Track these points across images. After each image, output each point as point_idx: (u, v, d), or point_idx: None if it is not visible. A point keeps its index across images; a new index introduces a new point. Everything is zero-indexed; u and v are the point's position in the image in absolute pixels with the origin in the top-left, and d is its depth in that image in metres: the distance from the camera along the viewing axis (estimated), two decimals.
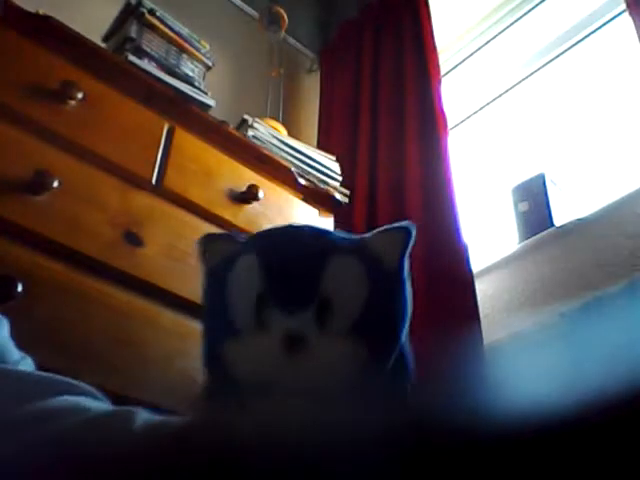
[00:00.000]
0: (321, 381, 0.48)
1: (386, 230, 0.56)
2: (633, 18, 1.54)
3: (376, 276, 0.52)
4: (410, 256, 0.56)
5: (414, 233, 0.55)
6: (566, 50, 1.95)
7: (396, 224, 0.56)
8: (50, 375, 0.57)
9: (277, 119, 1.93)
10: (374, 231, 0.56)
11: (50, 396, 0.51)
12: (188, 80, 1.46)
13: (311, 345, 0.48)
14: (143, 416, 0.48)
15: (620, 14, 1.80)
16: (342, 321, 0.50)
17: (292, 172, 1.49)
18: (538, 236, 1.62)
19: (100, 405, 0.54)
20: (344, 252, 0.53)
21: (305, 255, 0.52)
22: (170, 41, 1.47)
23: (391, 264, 0.54)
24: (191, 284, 1.19)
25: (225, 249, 0.58)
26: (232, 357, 0.51)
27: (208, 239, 0.60)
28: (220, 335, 0.53)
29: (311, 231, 0.56)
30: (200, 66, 1.52)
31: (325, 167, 1.62)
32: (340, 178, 1.64)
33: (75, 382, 0.57)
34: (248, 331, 0.51)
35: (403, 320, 0.53)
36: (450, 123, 1.84)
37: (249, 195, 1.35)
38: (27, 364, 0.66)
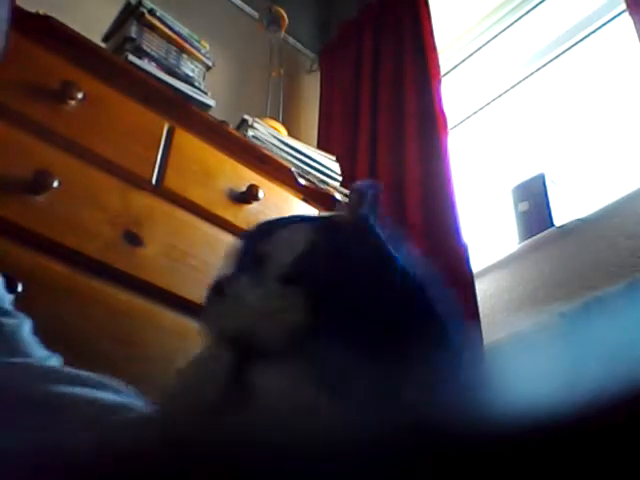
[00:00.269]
0: (242, 318, 0.54)
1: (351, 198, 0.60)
2: (633, 18, 1.54)
3: (322, 235, 0.57)
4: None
5: (370, 190, 0.59)
6: (566, 50, 1.95)
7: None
8: (84, 372, 0.58)
9: (277, 119, 1.93)
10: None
11: (87, 388, 0.52)
12: (188, 80, 1.46)
13: (234, 291, 0.55)
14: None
15: (620, 14, 1.80)
16: (272, 272, 0.55)
17: (292, 172, 1.49)
18: (538, 236, 1.62)
19: (137, 404, 0.55)
20: (293, 223, 0.59)
21: (257, 234, 0.60)
22: (170, 41, 1.47)
23: (348, 223, 0.58)
24: (191, 284, 1.19)
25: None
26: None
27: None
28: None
29: (281, 218, 0.62)
30: (200, 66, 1.52)
31: (325, 167, 1.62)
32: (340, 178, 1.64)
33: (106, 379, 0.58)
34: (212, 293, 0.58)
35: (357, 276, 0.55)
36: (450, 123, 1.84)
37: (249, 195, 1.35)
38: (55, 362, 0.66)
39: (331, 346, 0.49)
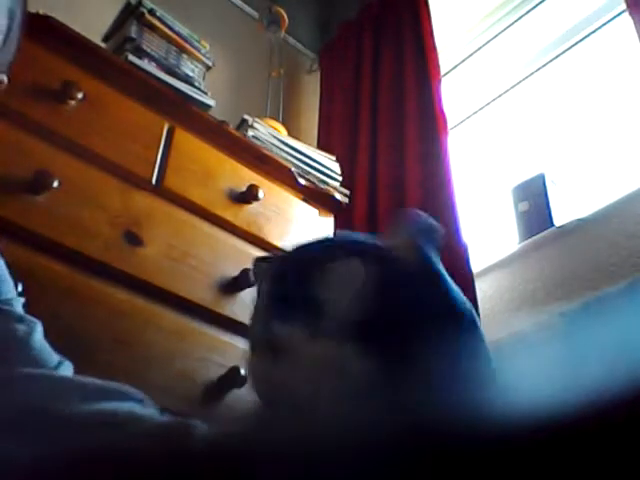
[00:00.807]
0: (302, 385, 0.46)
1: (403, 226, 0.54)
2: (633, 18, 1.54)
3: (384, 276, 0.50)
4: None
5: (438, 228, 0.54)
6: (566, 50, 1.95)
7: (413, 217, 0.55)
8: (97, 380, 0.57)
9: (277, 119, 1.93)
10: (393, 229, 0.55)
11: (99, 402, 0.51)
12: (188, 80, 1.46)
13: (294, 350, 0.47)
14: (200, 431, 0.46)
15: (620, 14, 1.80)
16: (331, 323, 0.48)
17: (292, 172, 1.49)
18: (538, 236, 1.62)
19: (152, 413, 0.53)
20: (343, 257, 0.51)
21: (299, 266, 0.53)
22: (170, 41, 1.47)
23: (408, 262, 0.52)
24: (191, 284, 1.19)
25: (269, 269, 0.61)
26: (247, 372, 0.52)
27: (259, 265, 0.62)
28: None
29: (319, 242, 0.57)
30: (200, 66, 1.52)
31: (325, 167, 1.62)
32: (340, 178, 1.64)
33: (124, 387, 0.57)
34: (258, 346, 0.51)
35: (421, 320, 0.49)
36: (450, 123, 1.84)
37: (249, 195, 1.35)
38: (66, 368, 0.66)
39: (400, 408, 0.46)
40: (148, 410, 0.54)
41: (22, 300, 0.71)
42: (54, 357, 0.65)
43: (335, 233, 0.61)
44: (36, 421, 0.48)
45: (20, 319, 0.66)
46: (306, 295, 0.49)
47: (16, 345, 0.63)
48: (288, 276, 0.53)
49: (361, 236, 0.56)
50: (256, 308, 0.54)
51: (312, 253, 0.55)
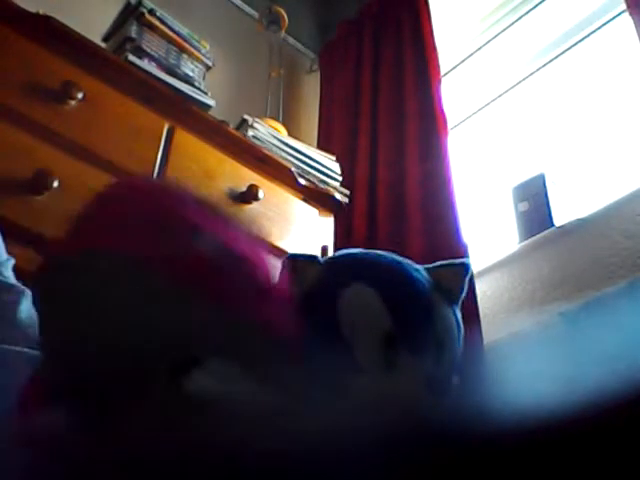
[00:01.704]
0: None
1: (450, 266, 0.58)
2: (633, 18, 1.54)
3: (457, 315, 0.54)
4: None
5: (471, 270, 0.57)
6: (566, 50, 1.95)
7: (456, 261, 0.58)
8: None
9: (277, 119, 1.93)
10: (437, 267, 0.58)
11: None
12: (188, 80, 1.46)
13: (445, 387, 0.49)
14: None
15: (620, 14, 1.80)
16: (451, 361, 0.51)
17: (292, 172, 1.49)
18: (538, 236, 1.62)
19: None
20: (435, 291, 0.54)
21: (420, 294, 0.53)
22: (170, 41, 1.47)
23: (457, 300, 0.56)
24: None
25: (317, 273, 0.56)
26: (358, 393, 0.49)
27: (297, 261, 0.58)
28: (336, 368, 0.51)
29: (408, 265, 0.57)
30: (200, 66, 1.52)
31: (325, 167, 1.62)
32: (340, 178, 1.64)
33: None
34: (376, 369, 0.50)
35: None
36: (450, 123, 1.84)
37: (249, 195, 1.35)
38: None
39: None
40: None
41: (12, 262, 0.70)
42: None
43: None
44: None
45: (8, 288, 0.65)
46: (431, 328, 0.52)
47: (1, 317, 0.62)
48: (410, 299, 0.53)
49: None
50: (348, 316, 0.52)
51: (412, 275, 0.55)
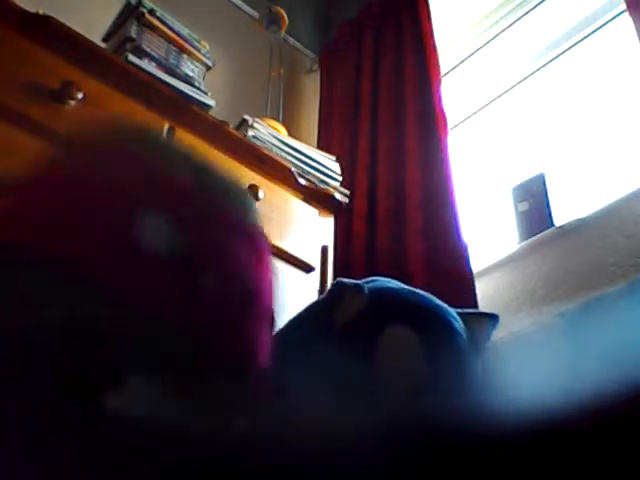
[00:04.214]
0: None
1: (481, 316, 0.59)
2: (633, 18, 1.54)
3: (481, 364, 0.56)
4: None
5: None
6: (566, 50, 1.95)
7: (487, 313, 0.59)
8: None
9: (277, 119, 1.93)
10: (469, 315, 0.59)
11: None
12: (188, 80, 1.46)
13: None
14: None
15: (620, 14, 1.80)
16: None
17: (292, 172, 1.49)
18: (538, 236, 1.62)
19: None
20: (469, 342, 0.56)
21: (458, 347, 0.55)
22: (170, 41, 1.47)
23: (482, 350, 0.57)
24: None
25: (361, 304, 0.57)
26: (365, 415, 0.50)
27: (342, 290, 0.58)
28: (363, 400, 0.51)
29: (449, 313, 0.58)
30: (200, 66, 1.52)
31: (325, 167, 1.62)
32: (340, 178, 1.64)
33: None
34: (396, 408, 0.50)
35: None
36: (450, 123, 1.84)
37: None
38: None
39: None
40: None
41: None
42: None
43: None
44: None
45: None
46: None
47: None
48: (447, 350, 0.54)
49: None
50: (386, 355, 0.53)
51: (452, 326, 0.57)
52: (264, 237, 0.50)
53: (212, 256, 0.44)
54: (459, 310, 0.59)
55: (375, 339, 0.53)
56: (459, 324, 0.56)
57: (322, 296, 0.61)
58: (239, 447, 0.37)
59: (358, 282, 0.60)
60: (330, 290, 0.58)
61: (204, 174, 0.49)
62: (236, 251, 0.47)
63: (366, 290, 0.58)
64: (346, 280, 0.59)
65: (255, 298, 0.46)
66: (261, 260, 0.50)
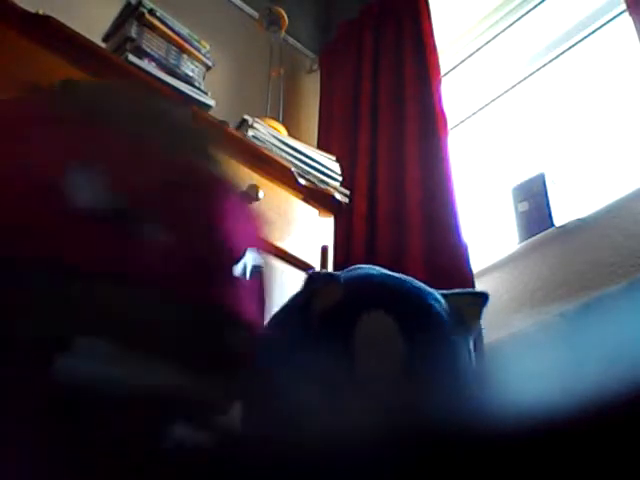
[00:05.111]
0: None
1: (468, 295, 0.59)
2: (633, 18, 1.54)
3: (470, 346, 0.56)
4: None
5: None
6: (566, 50, 1.95)
7: (475, 291, 0.59)
8: None
9: (277, 119, 1.93)
10: (456, 294, 0.58)
11: None
12: (188, 80, 1.46)
13: None
14: None
15: (620, 14, 1.80)
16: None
17: (292, 172, 1.49)
18: (538, 236, 1.62)
19: None
20: (452, 322, 0.56)
21: (438, 327, 0.54)
22: (170, 41, 1.47)
23: (472, 331, 0.58)
24: None
25: (337, 293, 0.57)
26: (350, 407, 0.50)
27: (317, 280, 0.58)
28: (335, 381, 0.52)
29: (428, 293, 0.57)
30: (200, 66, 1.52)
31: (325, 167, 1.62)
32: (340, 178, 1.64)
33: None
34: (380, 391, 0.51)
35: None
36: (450, 123, 1.84)
37: (249, 195, 1.34)
38: None
39: None
40: None
41: None
42: None
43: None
44: None
45: None
46: None
47: None
48: (428, 334, 0.54)
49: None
50: (364, 339, 0.53)
51: (431, 308, 0.56)
52: (225, 184, 0.50)
53: (154, 207, 0.44)
54: (444, 291, 0.58)
55: (353, 326, 0.53)
56: (441, 305, 0.56)
57: (298, 290, 0.61)
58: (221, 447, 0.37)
59: (332, 272, 0.60)
60: (305, 283, 0.58)
61: (149, 122, 0.48)
62: (186, 201, 0.46)
63: (341, 279, 0.57)
64: (320, 271, 0.60)
65: (215, 247, 0.46)
66: (222, 207, 0.49)
